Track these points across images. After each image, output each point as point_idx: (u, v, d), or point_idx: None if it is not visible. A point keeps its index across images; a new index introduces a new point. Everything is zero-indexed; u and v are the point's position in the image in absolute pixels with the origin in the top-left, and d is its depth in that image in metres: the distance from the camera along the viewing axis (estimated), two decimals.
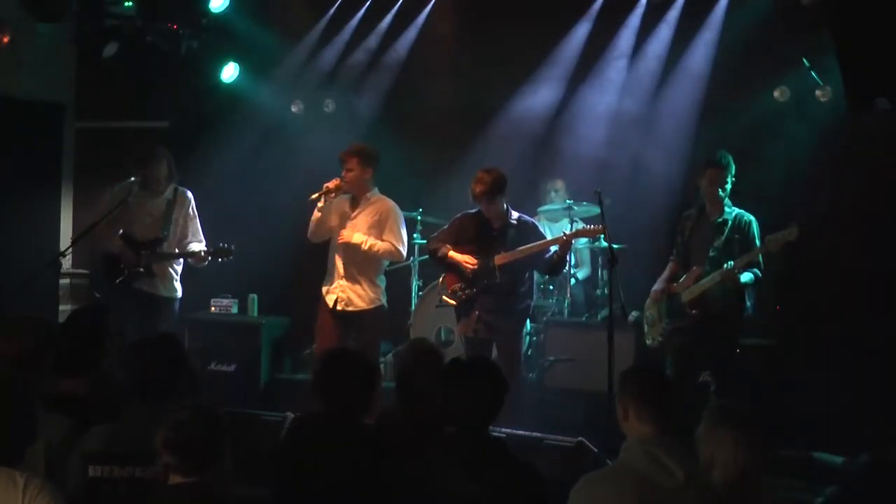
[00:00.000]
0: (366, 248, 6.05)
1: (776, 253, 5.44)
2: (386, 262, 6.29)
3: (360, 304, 6.16)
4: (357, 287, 6.15)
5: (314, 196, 6.12)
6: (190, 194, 6.62)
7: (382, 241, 6.10)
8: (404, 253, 6.21)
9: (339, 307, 6.16)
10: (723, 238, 5.64)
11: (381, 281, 6.26)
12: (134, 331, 6.22)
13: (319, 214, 6.16)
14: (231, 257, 6.42)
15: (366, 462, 3.43)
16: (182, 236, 6.56)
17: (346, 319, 6.16)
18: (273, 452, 3.61)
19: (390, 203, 6.22)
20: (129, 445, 3.24)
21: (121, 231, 6.41)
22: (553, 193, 7.63)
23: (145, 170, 6.48)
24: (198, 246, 6.53)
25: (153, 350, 3.58)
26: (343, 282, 6.16)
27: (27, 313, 3.88)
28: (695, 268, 5.68)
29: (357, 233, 6.11)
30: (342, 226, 6.18)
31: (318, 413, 3.68)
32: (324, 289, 6.25)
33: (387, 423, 3.82)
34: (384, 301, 6.26)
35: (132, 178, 6.50)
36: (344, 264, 6.16)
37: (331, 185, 6.09)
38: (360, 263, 6.14)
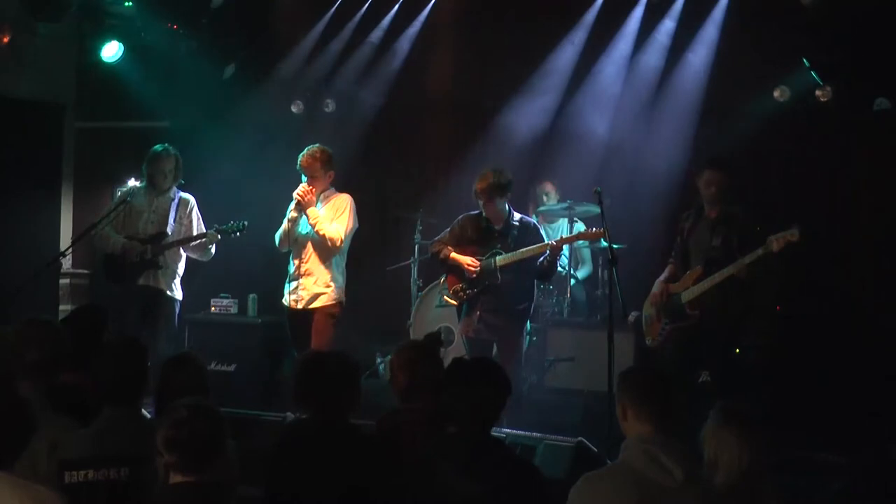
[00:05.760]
0: (312, 221, 6.03)
1: (778, 253, 5.42)
2: (343, 261, 6.23)
3: (320, 301, 6.13)
4: (315, 284, 6.13)
5: (293, 207, 6.09)
6: (192, 199, 6.63)
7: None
8: (341, 238, 6.07)
9: (299, 306, 6.15)
10: (721, 238, 5.63)
11: (341, 274, 6.22)
12: (133, 330, 6.24)
13: (291, 224, 6.15)
14: (244, 232, 6.41)
15: (361, 464, 3.37)
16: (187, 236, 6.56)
17: (309, 317, 6.14)
18: (265, 461, 3.55)
19: (347, 195, 6.21)
20: (103, 449, 3.24)
21: (123, 236, 6.44)
22: (545, 196, 7.62)
23: (152, 167, 6.50)
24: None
25: (119, 355, 3.59)
26: (302, 280, 6.15)
27: (42, 317, 3.87)
28: (694, 268, 5.67)
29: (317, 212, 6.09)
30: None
31: (307, 419, 3.64)
32: (285, 293, 6.23)
33: (388, 425, 3.81)
34: (342, 297, 6.21)
35: (134, 182, 6.52)
36: (302, 263, 6.14)
37: (302, 193, 6.07)
38: (317, 260, 6.12)
